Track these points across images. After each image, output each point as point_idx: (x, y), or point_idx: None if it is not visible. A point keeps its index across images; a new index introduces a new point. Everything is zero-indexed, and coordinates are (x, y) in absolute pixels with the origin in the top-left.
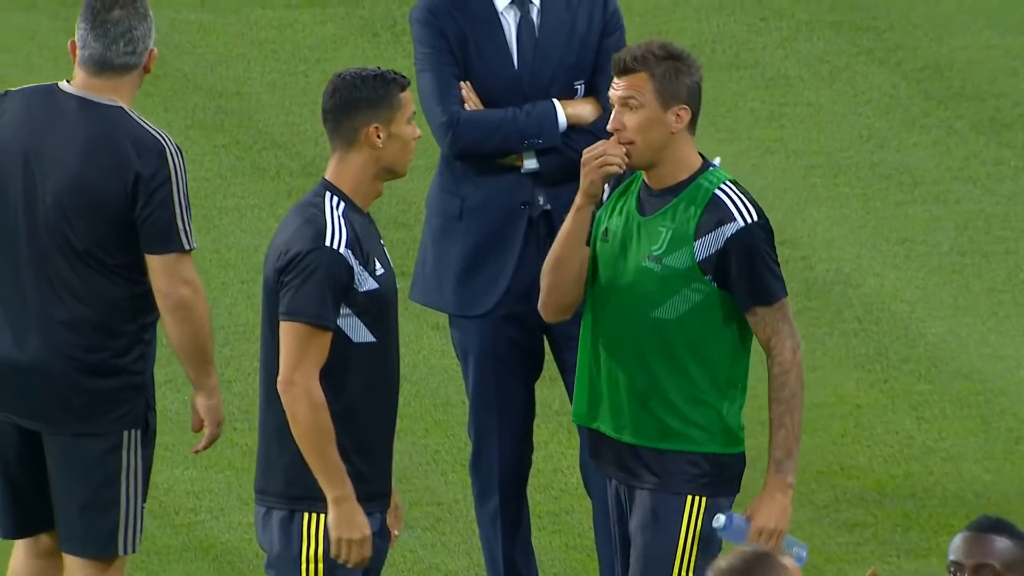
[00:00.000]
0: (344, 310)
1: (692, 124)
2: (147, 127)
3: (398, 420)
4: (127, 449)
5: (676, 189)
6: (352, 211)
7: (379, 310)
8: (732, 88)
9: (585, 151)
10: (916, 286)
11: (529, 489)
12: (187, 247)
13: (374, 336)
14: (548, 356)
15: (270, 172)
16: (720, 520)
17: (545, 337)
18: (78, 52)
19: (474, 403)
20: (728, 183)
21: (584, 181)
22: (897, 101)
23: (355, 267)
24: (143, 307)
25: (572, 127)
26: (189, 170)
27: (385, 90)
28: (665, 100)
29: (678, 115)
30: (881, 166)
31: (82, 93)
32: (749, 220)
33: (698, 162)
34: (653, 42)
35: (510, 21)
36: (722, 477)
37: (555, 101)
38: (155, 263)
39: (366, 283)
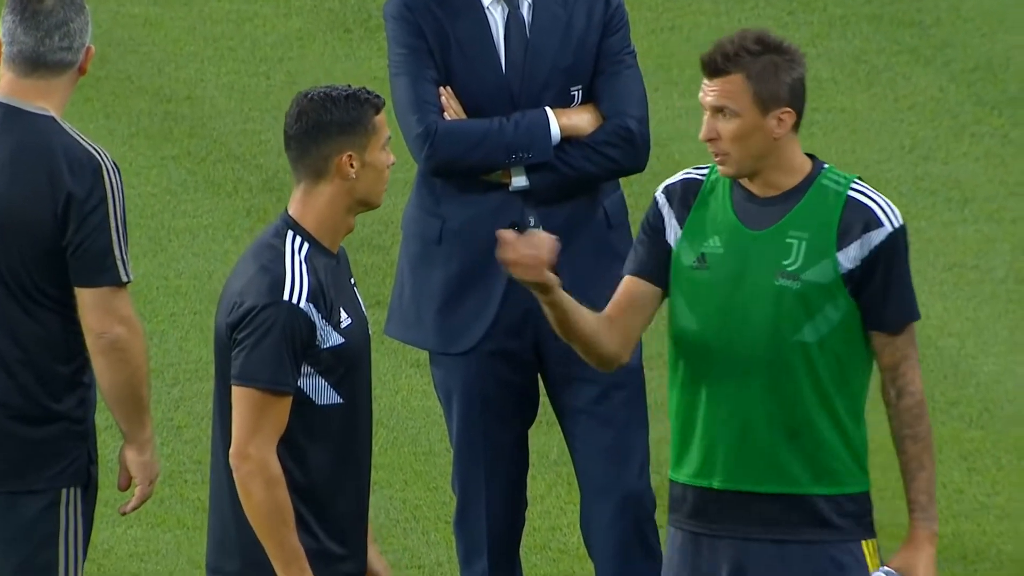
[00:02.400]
0: (306, 369)
1: (797, 124)
2: (81, 140)
3: (373, 471)
4: (66, 507)
5: (793, 195)
6: (317, 252)
7: (346, 367)
8: None
9: (501, 254)
10: (966, 318)
11: (523, 550)
12: (124, 279)
13: (340, 397)
14: (544, 399)
15: (226, 188)
16: None
17: (540, 377)
18: (4, 49)
19: (459, 452)
20: (858, 181)
21: (526, 284)
22: (944, 106)
23: (317, 322)
24: (79, 345)
25: (567, 139)
26: (134, 185)
27: (359, 112)
28: (765, 105)
29: (780, 119)
30: (926, 180)
31: (7, 99)
32: (896, 224)
33: (808, 162)
34: (746, 34)
35: (497, 18)
36: (871, 516)
37: (548, 110)
38: (87, 297)
39: (330, 339)
